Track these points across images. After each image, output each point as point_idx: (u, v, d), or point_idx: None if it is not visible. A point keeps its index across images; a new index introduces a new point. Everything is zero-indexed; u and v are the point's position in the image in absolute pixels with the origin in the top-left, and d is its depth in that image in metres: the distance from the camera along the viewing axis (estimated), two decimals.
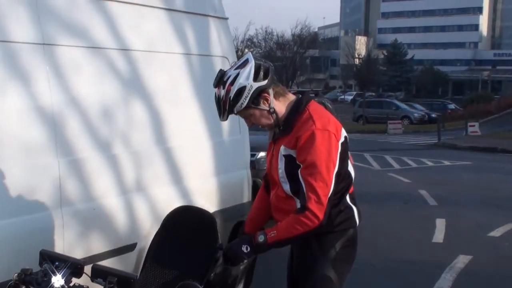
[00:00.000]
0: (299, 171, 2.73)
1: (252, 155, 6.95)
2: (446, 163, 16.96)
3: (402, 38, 74.92)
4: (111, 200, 4.01)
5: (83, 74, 3.87)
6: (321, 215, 2.66)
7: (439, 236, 7.99)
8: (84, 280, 2.29)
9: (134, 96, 4.23)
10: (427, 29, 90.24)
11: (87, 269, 2.32)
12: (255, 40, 62.21)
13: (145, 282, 2.96)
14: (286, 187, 2.86)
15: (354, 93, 59.96)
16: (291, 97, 2.92)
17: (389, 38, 77.45)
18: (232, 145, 5.26)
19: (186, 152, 4.65)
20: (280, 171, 2.86)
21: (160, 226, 3.18)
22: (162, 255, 3.07)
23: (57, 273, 2.17)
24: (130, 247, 4.17)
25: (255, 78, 2.74)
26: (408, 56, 70.37)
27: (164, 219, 3.20)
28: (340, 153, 2.77)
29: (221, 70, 2.84)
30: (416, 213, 9.67)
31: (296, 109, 2.84)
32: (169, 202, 4.27)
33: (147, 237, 4.25)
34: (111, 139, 4.04)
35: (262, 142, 8.17)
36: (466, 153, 20.10)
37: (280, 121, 2.87)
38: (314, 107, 2.87)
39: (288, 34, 61.54)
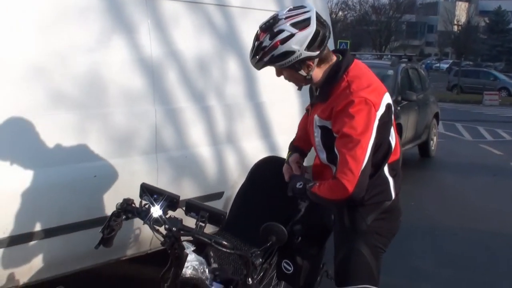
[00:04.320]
0: (335, 141, 2.58)
1: None
2: None
3: (507, 5, 71.12)
4: (202, 150, 4.23)
5: (182, 27, 4.07)
6: (350, 188, 2.47)
7: None
8: (178, 213, 2.50)
9: (229, 51, 4.40)
10: None
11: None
12: (350, 3, 60.99)
13: (232, 225, 3.15)
14: (323, 155, 2.76)
15: (450, 61, 57.88)
16: (333, 59, 2.67)
17: (492, 4, 73.76)
18: None
19: (275, 108, 4.79)
20: (316, 139, 2.74)
21: (248, 174, 3.34)
22: (248, 200, 3.24)
23: (155, 204, 2.38)
24: (218, 195, 4.38)
25: (309, 47, 2.51)
26: None
27: (252, 167, 3.37)
28: (378, 126, 2.54)
29: (276, 15, 2.57)
30: (506, 186, 9.40)
31: (334, 75, 2.61)
32: (257, 155, 4.42)
33: (234, 187, 4.45)
34: (205, 91, 4.24)
35: None
36: None
37: (316, 85, 2.70)
38: (354, 73, 2.62)
39: None
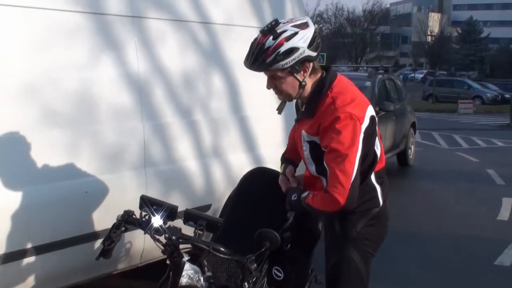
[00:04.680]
0: (324, 156, 2.70)
1: None
2: None
3: (478, 15, 72.49)
4: (189, 163, 4.33)
5: (168, 45, 4.18)
6: (342, 201, 2.62)
7: (504, 214, 7.99)
8: (177, 223, 2.59)
9: (213, 67, 4.53)
10: (505, 6, 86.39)
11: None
12: (325, 15, 61.56)
13: (221, 234, 3.24)
14: (312, 168, 2.87)
15: (425, 71, 58.70)
16: (319, 74, 2.79)
17: (464, 15, 75.11)
18: None
19: (259, 122, 4.91)
20: (305, 153, 2.85)
21: (237, 185, 3.44)
22: (237, 211, 3.33)
23: (156, 214, 2.48)
24: (205, 208, 4.47)
25: (310, 46, 2.62)
26: (484, 34, 68.21)
27: (241, 178, 3.46)
28: (364, 138, 2.66)
29: (276, 19, 2.65)
30: (483, 191, 9.65)
31: (319, 92, 2.74)
32: (242, 168, 4.54)
33: (221, 199, 4.56)
34: (191, 106, 4.36)
35: None
36: None
37: (302, 99, 2.82)
38: (338, 89, 2.73)
39: (359, 10, 60.98)
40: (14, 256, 3.34)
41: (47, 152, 3.47)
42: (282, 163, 3.20)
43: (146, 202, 2.58)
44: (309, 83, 2.75)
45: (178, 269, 2.47)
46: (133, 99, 3.93)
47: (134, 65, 3.93)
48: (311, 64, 2.70)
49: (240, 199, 3.35)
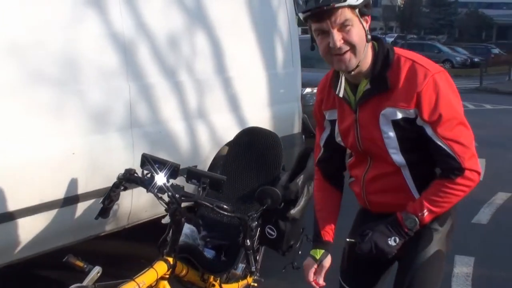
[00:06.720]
0: (431, 132, 2.18)
1: None
2: (488, 106, 16.89)
3: None
4: (175, 124, 4.29)
5: (152, 4, 4.10)
6: (479, 168, 2.22)
7: None
8: (179, 181, 2.57)
9: (198, 27, 4.46)
10: None
11: None
12: None
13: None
14: (398, 158, 2.28)
15: (395, 35, 58.86)
16: (370, 43, 2.23)
17: None
18: (285, 77, 5.47)
19: (243, 82, 4.89)
20: (387, 141, 2.26)
21: (231, 145, 3.44)
22: (232, 168, 3.34)
23: (159, 172, 2.45)
24: None
25: None
26: None
27: (234, 137, 3.46)
28: None
29: None
30: None
31: (386, 60, 2.23)
32: (227, 128, 4.55)
33: (206, 160, 4.55)
34: (176, 66, 4.30)
35: (310, 78, 8.33)
36: (508, 98, 19.90)
37: (363, 72, 2.25)
38: (404, 51, 2.28)
39: None
40: (1, 218, 3.29)
41: (32, 113, 3.40)
42: (315, 245, 2.54)
43: (149, 160, 2.54)
44: (368, 52, 2.23)
45: (179, 227, 2.46)
46: (118, 58, 3.86)
47: (118, 24, 3.85)
48: (366, 25, 2.18)
49: (233, 159, 3.36)
